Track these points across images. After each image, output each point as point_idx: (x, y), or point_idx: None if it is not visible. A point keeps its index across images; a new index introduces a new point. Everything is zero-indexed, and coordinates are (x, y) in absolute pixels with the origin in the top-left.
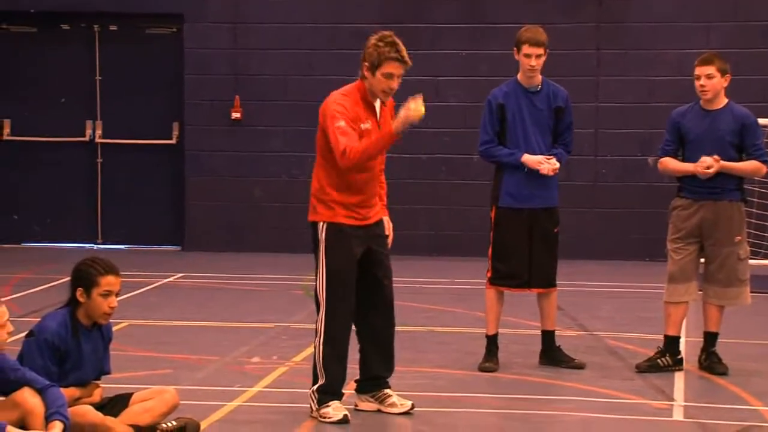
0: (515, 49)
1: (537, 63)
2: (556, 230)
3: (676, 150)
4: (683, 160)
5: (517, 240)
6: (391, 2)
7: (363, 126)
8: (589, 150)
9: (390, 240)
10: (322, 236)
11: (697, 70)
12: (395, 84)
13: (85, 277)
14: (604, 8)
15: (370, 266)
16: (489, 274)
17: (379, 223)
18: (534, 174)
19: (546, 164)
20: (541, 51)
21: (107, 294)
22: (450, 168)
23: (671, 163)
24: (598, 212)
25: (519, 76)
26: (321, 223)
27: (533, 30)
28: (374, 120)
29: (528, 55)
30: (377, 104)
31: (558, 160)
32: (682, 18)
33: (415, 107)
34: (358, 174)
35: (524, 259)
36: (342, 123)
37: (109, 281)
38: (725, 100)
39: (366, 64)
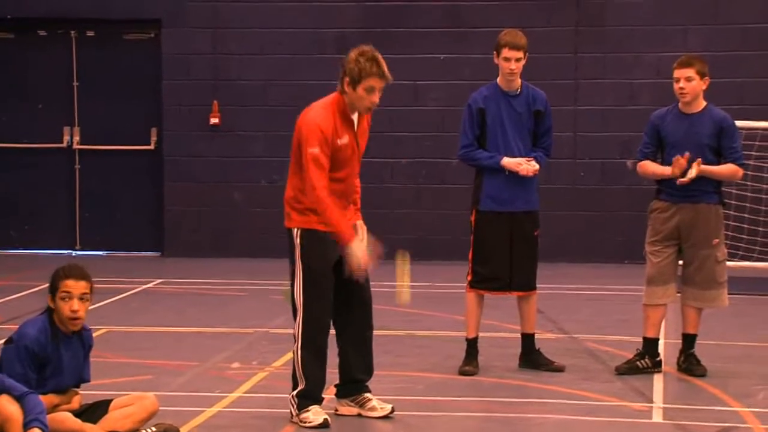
0: (495, 52)
1: (516, 66)
2: (536, 233)
3: (655, 153)
4: (662, 163)
5: (498, 243)
6: (370, 7)
7: (339, 142)
8: (568, 153)
9: None
10: (297, 240)
11: (677, 73)
12: (377, 98)
13: (51, 282)
14: (582, 11)
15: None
16: (469, 278)
17: (353, 228)
18: (514, 177)
19: (525, 165)
20: (520, 54)
21: (66, 297)
22: (430, 172)
23: (650, 166)
24: (578, 215)
25: (498, 80)
26: (296, 229)
27: (513, 33)
28: (351, 134)
29: (507, 59)
30: (355, 116)
31: (537, 163)
32: (660, 21)
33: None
34: (332, 184)
35: (505, 262)
36: (316, 150)
37: (67, 284)
38: (704, 103)
39: (347, 79)
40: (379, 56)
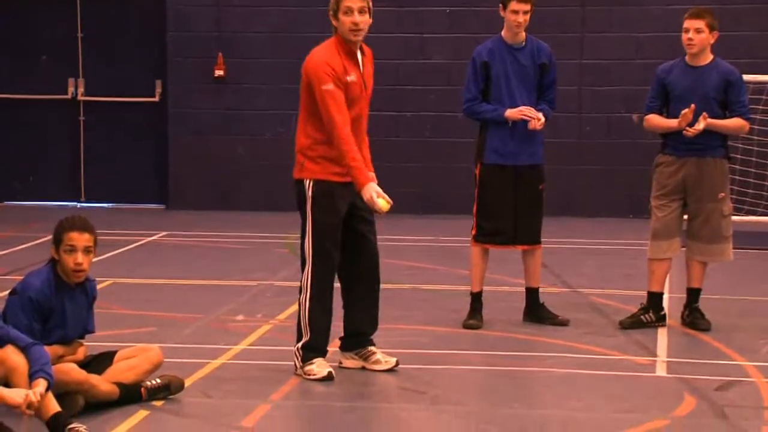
0: (501, 5)
1: (524, 19)
2: (541, 187)
3: (661, 106)
4: (668, 117)
5: (502, 197)
6: None
7: (348, 78)
8: (573, 107)
9: None
10: (309, 193)
11: (687, 23)
12: (357, 18)
13: (55, 234)
14: None
15: (355, 222)
16: (474, 232)
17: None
18: (519, 130)
19: (530, 115)
20: (528, 7)
21: (70, 250)
22: (435, 126)
23: (655, 120)
24: (583, 169)
25: (503, 33)
26: (308, 180)
27: None
28: (358, 72)
29: (516, 12)
30: (359, 56)
31: (544, 116)
32: None
33: (381, 205)
34: None
35: (509, 216)
36: (330, 86)
37: (71, 237)
38: (711, 57)
39: (330, 13)
40: None
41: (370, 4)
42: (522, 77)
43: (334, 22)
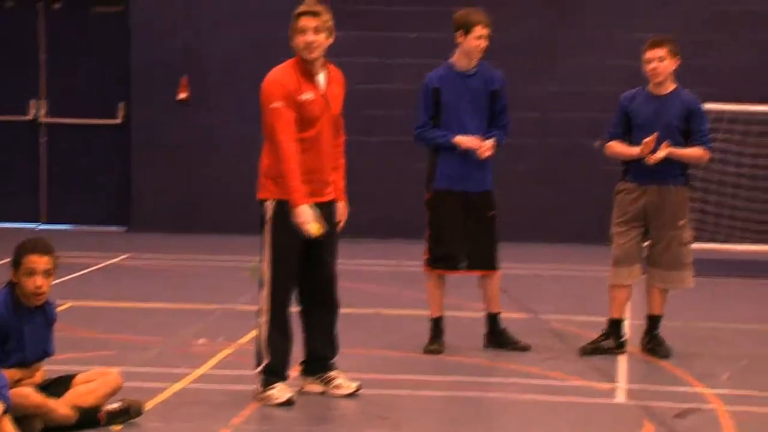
0: (462, 31)
1: (486, 44)
2: (491, 214)
3: (624, 134)
4: (630, 144)
5: (453, 222)
6: None
7: (304, 97)
8: (535, 133)
9: (340, 225)
10: (270, 214)
11: (648, 54)
12: (311, 37)
13: (14, 257)
14: None
15: (314, 246)
16: (426, 257)
17: (331, 204)
18: (468, 156)
19: (476, 145)
20: (489, 31)
21: (30, 273)
22: (399, 151)
23: (617, 147)
24: (544, 195)
25: (455, 59)
26: (270, 201)
27: (479, 11)
28: (316, 91)
29: (480, 37)
30: (321, 76)
31: (497, 142)
32: (632, 2)
33: (312, 230)
34: (301, 145)
35: (460, 241)
36: (278, 104)
37: (31, 260)
38: (674, 85)
39: (289, 34)
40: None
41: (330, 24)
42: (473, 103)
43: (293, 45)
